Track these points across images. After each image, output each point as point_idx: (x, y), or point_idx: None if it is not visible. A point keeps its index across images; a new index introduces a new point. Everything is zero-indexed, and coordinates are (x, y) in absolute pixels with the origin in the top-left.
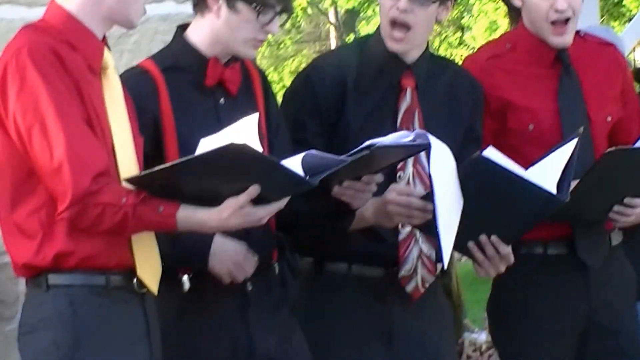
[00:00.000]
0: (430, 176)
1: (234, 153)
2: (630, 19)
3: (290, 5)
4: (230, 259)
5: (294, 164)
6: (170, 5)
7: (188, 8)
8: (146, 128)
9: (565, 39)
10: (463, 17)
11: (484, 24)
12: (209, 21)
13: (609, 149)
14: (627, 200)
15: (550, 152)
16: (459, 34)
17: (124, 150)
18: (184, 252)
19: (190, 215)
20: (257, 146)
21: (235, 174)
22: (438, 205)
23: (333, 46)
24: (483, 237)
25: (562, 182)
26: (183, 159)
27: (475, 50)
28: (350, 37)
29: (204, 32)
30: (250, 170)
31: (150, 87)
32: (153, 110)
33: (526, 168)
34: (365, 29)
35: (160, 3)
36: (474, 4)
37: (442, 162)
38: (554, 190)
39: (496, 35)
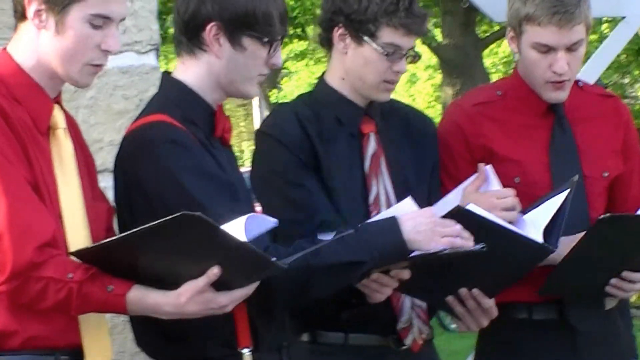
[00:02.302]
0: None
1: (187, 224)
2: None
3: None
4: (425, 225)
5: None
6: (131, 56)
7: (151, 59)
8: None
9: (560, 95)
10: None
11: None
12: (206, 64)
13: (601, 216)
14: (625, 274)
15: (543, 202)
16: None
17: (73, 218)
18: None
19: (142, 297)
20: None
21: (192, 250)
22: None
23: (255, 101)
24: (463, 291)
25: (551, 231)
26: (133, 230)
27: None
28: (273, 92)
29: (201, 76)
30: (209, 247)
31: (187, 135)
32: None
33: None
34: (287, 84)
35: (120, 54)
36: None
37: None
38: (540, 239)
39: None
